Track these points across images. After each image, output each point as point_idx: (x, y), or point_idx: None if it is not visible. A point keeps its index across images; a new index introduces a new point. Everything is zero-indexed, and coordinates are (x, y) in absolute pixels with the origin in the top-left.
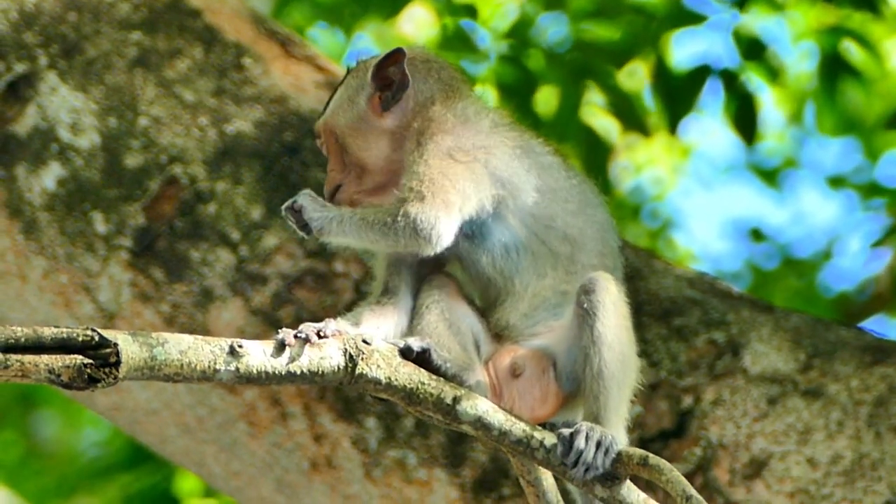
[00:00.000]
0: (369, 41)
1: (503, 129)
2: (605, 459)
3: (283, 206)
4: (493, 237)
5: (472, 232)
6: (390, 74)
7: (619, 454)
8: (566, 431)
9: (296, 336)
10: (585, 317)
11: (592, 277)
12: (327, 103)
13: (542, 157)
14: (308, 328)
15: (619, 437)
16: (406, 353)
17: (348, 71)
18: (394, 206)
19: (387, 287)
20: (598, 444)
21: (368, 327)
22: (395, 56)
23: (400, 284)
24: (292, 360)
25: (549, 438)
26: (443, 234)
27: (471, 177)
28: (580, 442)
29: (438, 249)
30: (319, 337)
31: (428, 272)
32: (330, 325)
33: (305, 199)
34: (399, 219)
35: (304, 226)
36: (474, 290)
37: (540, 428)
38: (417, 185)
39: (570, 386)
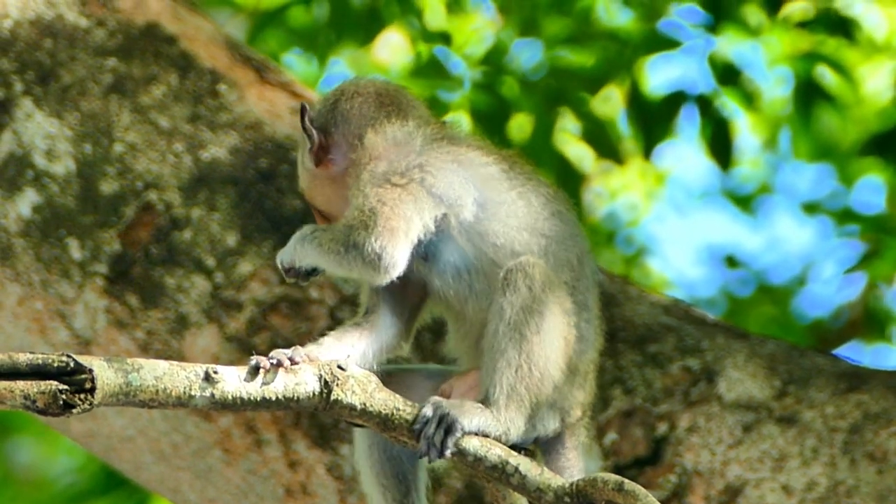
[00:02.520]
0: (344, 67)
1: (437, 144)
2: (446, 439)
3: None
4: (443, 258)
5: (426, 254)
6: (307, 131)
7: (594, 479)
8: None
9: (269, 361)
10: (494, 294)
11: (517, 261)
12: None
13: (483, 169)
14: (279, 354)
15: (513, 422)
16: None
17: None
18: (342, 233)
19: (367, 307)
20: (440, 422)
21: (341, 349)
22: (303, 112)
23: (378, 303)
24: (267, 385)
25: (525, 464)
26: (392, 261)
27: (409, 199)
28: (418, 426)
29: (391, 277)
30: (292, 363)
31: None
32: (299, 350)
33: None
34: (349, 249)
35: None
36: (447, 315)
37: (515, 453)
38: (359, 216)
39: None
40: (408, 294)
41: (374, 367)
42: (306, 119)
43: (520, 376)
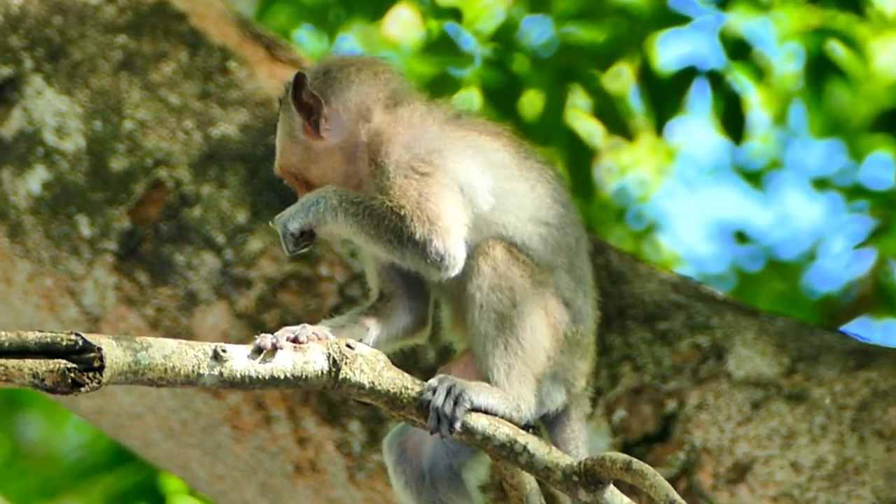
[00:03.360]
0: (354, 43)
1: (450, 128)
2: (454, 409)
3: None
4: None
5: None
6: (306, 99)
7: (602, 458)
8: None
9: (273, 343)
10: (460, 281)
11: (477, 246)
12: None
13: (495, 155)
14: (284, 335)
15: (522, 398)
16: None
17: (280, 103)
18: (391, 220)
19: (383, 292)
20: (448, 393)
21: (355, 332)
22: (300, 81)
23: (396, 290)
24: (275, 364)
25: (533, 443)
26: (455, 262)
27: (450, 193)
28: (428, 396)
29: (451, 275)
30: (297, 342)
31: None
32: (306, 329)
33: (287, 214)
34: (406, 243)
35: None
36: (442, 298)
37: (523, 432)
38: (407, 207)
39: None
40: (423, 280)
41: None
42: (306, 88)
43: (511, 352)
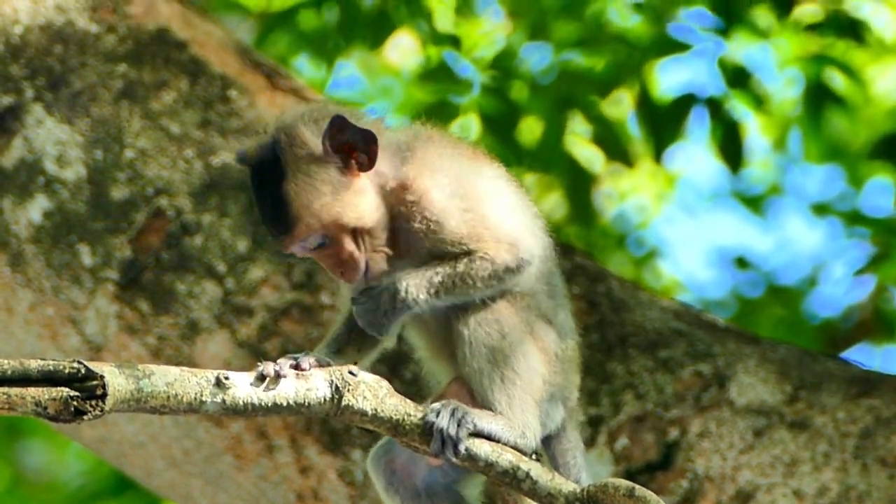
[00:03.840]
0: (354, 70)
1: (461, 162)
2: (458, 430)
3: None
4: None
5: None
6: (348, 139)
7: (605, 484)
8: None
9: (276, 371)
10: (438, 317)
11: None
12: (281, 212)
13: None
14: (286, 362)
15: (527, 425)
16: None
17: (261, 168)
18: (482, 267)
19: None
20: (452, 415)
21: (347, 355)
22: (340, 123)
23: None
24: (278, 391)
25: (536, 469)
26: (535, 262)
27: (498, 207)
28: (431, 418)
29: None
30: (299, 369)
31: None
32: (309, 356)
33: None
34: (506, 275)
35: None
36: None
37: (526, 458)
38: (488, 241)
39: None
40: None
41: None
42: (351, 127)
43: (509, 383)
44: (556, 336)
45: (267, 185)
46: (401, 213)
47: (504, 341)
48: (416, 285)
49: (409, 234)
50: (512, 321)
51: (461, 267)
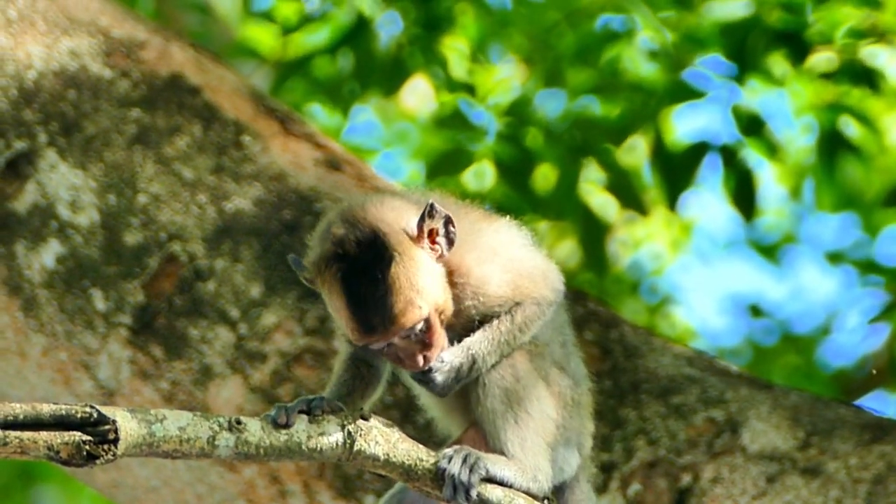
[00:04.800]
0: (371, 115)
1: (479, 221)
2: (470, 476)
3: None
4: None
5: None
6: (433, 223)
7: None
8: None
9: (288, 416)
10: None
11: None
12: (386, 301)
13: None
14: (298, 406)
15: (539, 468)
16: None
17: (363, 257)
18: (534, 310)
19: (353, 354)
20: (464, 461)
21: (354, 401)
22: (432, 208)
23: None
24: (290, 436)
25: None
26: (562, 283)
27: (528, 255)
28: (444, 464)
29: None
30: (312, 414)
31: None
32: (322, 402)
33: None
34: (548, 309)
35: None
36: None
37: (537, 502)
38: (528, 287)
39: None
40: None
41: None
42: (438, 212)
43: (522, 425)
44: (571, 382)
45: (369, 273)
46: (453, 295)
47: (518, 384)
48: (487, 351)
49: (459, 311)
50: (526, 366)
51: (518, 318)
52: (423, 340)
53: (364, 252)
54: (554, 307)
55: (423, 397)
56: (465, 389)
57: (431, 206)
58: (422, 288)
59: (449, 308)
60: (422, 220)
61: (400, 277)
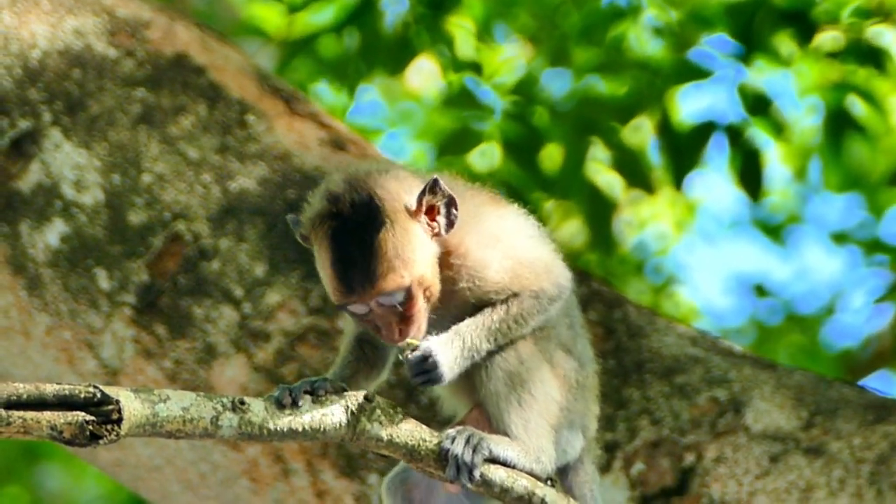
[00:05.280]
0: (376, 95)
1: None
2: (473, 456)
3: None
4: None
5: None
6: (435, 200)
7: None
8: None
9: (292, 397)
10: None
11: None
12: (370, 264)
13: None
14: (302, 387)
15: (543, 450)
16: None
17: (355, 216)
18: (530, 304)
19: (359, 336)
20: (467, 441)
21: (360, 375)
22: (434, 184)
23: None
24: (294, 416)
25: (551, 495)
26: (568, 281)
27: (532, 244)
28: (447, 445)
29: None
30: (315, 395)
31: None
32: (325, 383)
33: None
34: (551, 304)
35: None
36: None
37: (542, 484)
38: (532, 277)
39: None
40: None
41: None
42: (441, 189)
43: (526, 407)
44: (577, 364)
45: (358, 234)
46: (447, 276)
47: (522, 366)
48: (478, 336)
49: (453, 294)
50: (530, 349)
51: (514, 309)
52: (403, 313)
53: (357, 213)
54: (557, 303)
55: None
56: (468, 371)
57: (435, 181)
58: (408, 259)
59: (435, 287)
60: (422, 194)
61: (387, 243)
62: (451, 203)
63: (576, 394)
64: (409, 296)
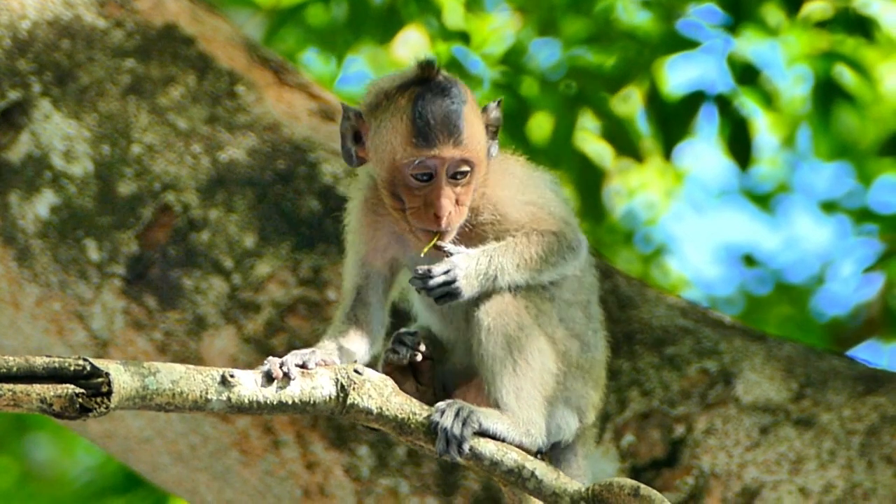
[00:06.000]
0: (363, 65)
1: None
2: (463, 429)
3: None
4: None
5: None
6: (490, 121)
7: (610, 484)
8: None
9: (282, 370)
10: (468, 310)
11: None
12: (454, 124)
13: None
14: (293, 360)
15: (532, 422)
16: None
17: (448, 83)
18: (548, 246)
19: (361, 298)
20: (457, 415)
21: (349, 353)
22: (499, 105)
23: (374, 299)
24: (284, 389)
25: (541, 468)
26: (583, 242)
27: (550, 195)
28: (436, 418)
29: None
30: (305, 367)
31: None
32: (316, 355)
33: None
34: (566, 256)
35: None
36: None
37: (532, 458)
38: (552, 222)
39: None
40: (388, 284)
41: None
42: (498, 116)
43: (520, 374)
44: (580, 347)
45: (447, 99)
46: (473, 205)
47: (521, 332)
48: (503, 256)
49: (473, 229)
50: (530, 319)
51: (535, 238)
52: (459, 193)
53: (446, 83)
54: (574, 256)
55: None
56: (470, 332)
57: (499, 102)
58: (480, 138)
59: (477, 174)
60: (486, 109)
61: (472, 118)
62: (497, 131)
63: (575, 373)
64: (472, 176)
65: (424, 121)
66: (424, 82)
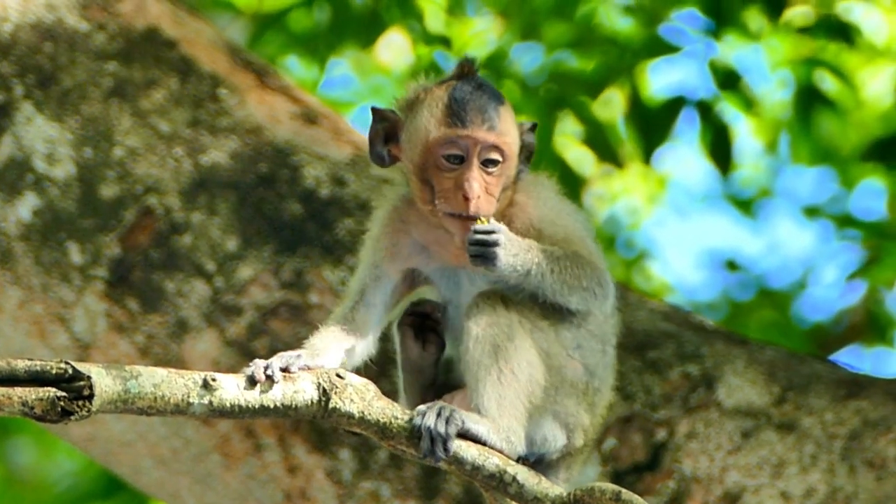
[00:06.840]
0: (346, 68)
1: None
2: (446, 427)
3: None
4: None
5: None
6: (527, 145)
7: (591, 488)
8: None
9: (266, 374)
10: (461, 319)
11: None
12: (486, 107)
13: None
14: (276, 364)
15: (512, 430)
16: None
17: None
18: (582, 273)
19: (364, 297)
20: (439, 414)
21: (336, 356)
22: (534, 127)
23: (378, 300)
24: (265, 393)
25: (523, 473)
26: (610, 295)
27: (592, 238)
28: (418, 420)
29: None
30: (287, 371)
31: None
32: (300, 359)
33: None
34: (596, 289)
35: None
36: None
37: (513, 462)
38: (583, 253)
39: None
40: (398, 294)
41: (360, 367)
42: (532, 140)
43: (504, 382)
44: (585, 372)
45: (484, 89)
46: (505, 211)
47: (510, 343)
48: (541, 252)
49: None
50: (523, 332)
51: (571, 254)
52: (489, 182)
53: (485, 79)
54: (595, 300)
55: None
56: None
57: (535, 125)
58: (515, 134)
59: (509, 167)
60: (522, 126)
61: (507, 114)
62: (530, 156)
63: (569, 391)
64: (503, 167)
65: (459, 104)
66: (464, 76)
